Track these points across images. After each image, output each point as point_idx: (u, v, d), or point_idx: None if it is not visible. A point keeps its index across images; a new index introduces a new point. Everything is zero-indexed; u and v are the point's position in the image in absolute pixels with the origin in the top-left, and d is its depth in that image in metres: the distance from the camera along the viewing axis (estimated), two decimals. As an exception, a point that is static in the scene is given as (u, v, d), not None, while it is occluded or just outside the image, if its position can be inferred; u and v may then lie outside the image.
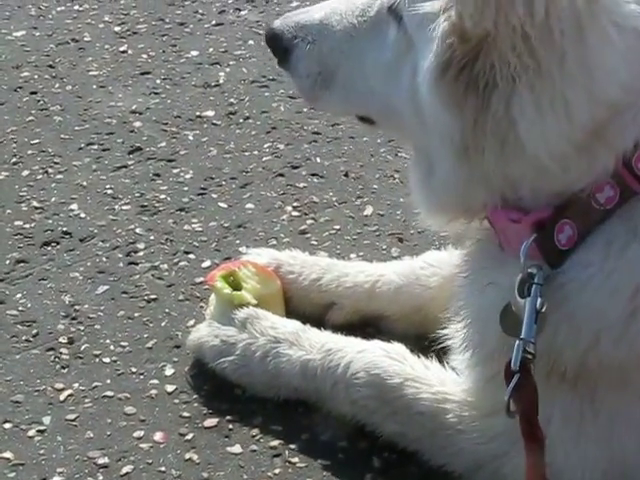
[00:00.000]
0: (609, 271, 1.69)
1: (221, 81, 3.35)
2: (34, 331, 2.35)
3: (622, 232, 1.69)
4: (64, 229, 2.68)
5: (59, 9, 3.80)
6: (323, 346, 2.07)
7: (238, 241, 2.64)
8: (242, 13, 3.71)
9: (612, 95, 1.65)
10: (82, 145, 3.04)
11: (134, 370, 2.25)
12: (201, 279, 2.47)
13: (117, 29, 3.66)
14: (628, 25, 1.65)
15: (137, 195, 2.82)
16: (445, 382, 1.98)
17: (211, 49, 3.54)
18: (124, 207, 2.77)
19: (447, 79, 1.65)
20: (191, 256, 2.59)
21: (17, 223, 2.69)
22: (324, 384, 2.05)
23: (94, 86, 3.33)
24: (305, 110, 3.16)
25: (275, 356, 2.10)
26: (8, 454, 2.05)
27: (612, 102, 1.65)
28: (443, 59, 1.65)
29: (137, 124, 3.13)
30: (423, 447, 1.97)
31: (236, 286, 2.24)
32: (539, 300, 1.69)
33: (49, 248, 2.61)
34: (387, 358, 2.01)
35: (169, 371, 2.24)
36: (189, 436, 2.09)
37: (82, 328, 2.36)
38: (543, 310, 1.69)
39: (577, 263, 1.72)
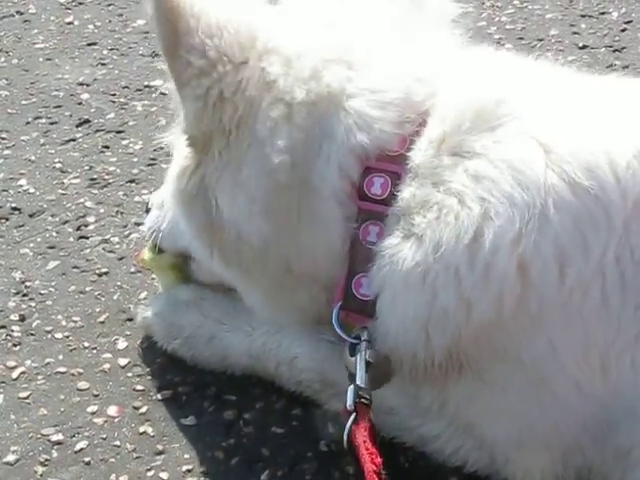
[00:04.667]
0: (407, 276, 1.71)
1: (169, 50, 3.31)
2: (-16, 309, 2.33)
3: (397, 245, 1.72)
4: (13, 205, 2.66)
5: (3, -19, 3.75)
6: (263, 326, 2.06)
7: (189, 211, 2.62)
8: (189, -20, 3.66)
9: (281, 160, 1.75)
10: (29, 119, 3.01)
11: (86, 345, 2.24)
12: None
13: (62, 0, 3.61)
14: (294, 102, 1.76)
15: (86, 168, 2.79)
16: None
17: (158, 17, 3.49)
18: (73, 181, 2.75)
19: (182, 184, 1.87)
20: (142, 228, 2.55)
21: (-35, 201, 2.67)
22: (268, 364, 2.05)
23: (40, 59, 3.30)
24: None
25: (221, 338, 2.10)
26: (-39, 434, 2.05)
27: (286, 165, 1.75)
28: (182, 165, 1.87)
29: (85, 96, 3.10)
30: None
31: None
32: (368, 353, 1.76)
33: (-2, 225, 2.60)
34: (325, 341, 1.99)
35: (122, 344, 2.23)
36: (143, 409, 2.09)
37: (33, 305, 2.34)
38: (371, 361, 1.76)
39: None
